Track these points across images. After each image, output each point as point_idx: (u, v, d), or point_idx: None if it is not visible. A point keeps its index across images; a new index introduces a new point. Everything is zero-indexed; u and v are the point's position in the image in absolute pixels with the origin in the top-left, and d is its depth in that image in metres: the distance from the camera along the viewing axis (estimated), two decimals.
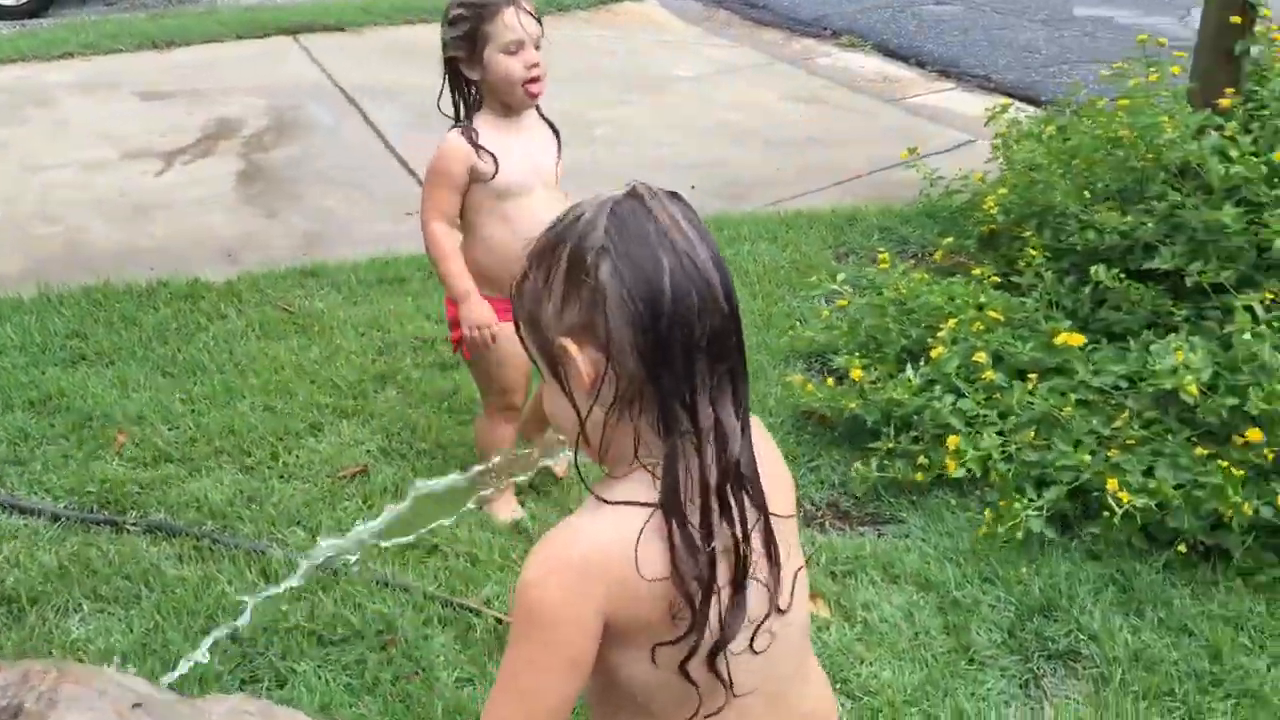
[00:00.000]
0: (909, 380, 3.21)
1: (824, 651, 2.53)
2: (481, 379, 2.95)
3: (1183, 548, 2.71)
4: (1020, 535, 2.78)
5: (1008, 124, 4.74)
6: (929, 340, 3.38)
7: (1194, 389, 2.78)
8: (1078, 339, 3.08)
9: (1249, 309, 3.00)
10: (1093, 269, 3.41)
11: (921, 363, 3.29)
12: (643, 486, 1.18)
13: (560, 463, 3.05)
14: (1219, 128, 3.58)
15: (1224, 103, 3.71)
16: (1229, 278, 3.26)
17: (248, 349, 3.83)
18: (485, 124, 2.74)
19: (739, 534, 1.19)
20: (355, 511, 2.99)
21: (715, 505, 1.17)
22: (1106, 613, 2.63)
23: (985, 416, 3.06)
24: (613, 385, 1.18)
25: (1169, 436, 2.87)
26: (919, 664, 2.52)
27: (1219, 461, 2.68)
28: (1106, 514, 2.72)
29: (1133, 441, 2.86)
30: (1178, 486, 2.71)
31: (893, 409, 3.20)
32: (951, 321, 3.33)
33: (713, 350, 1.17)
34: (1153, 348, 2.99)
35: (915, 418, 3.16)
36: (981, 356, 3.20)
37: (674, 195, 1.21)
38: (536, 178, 2.77)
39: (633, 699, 1.24)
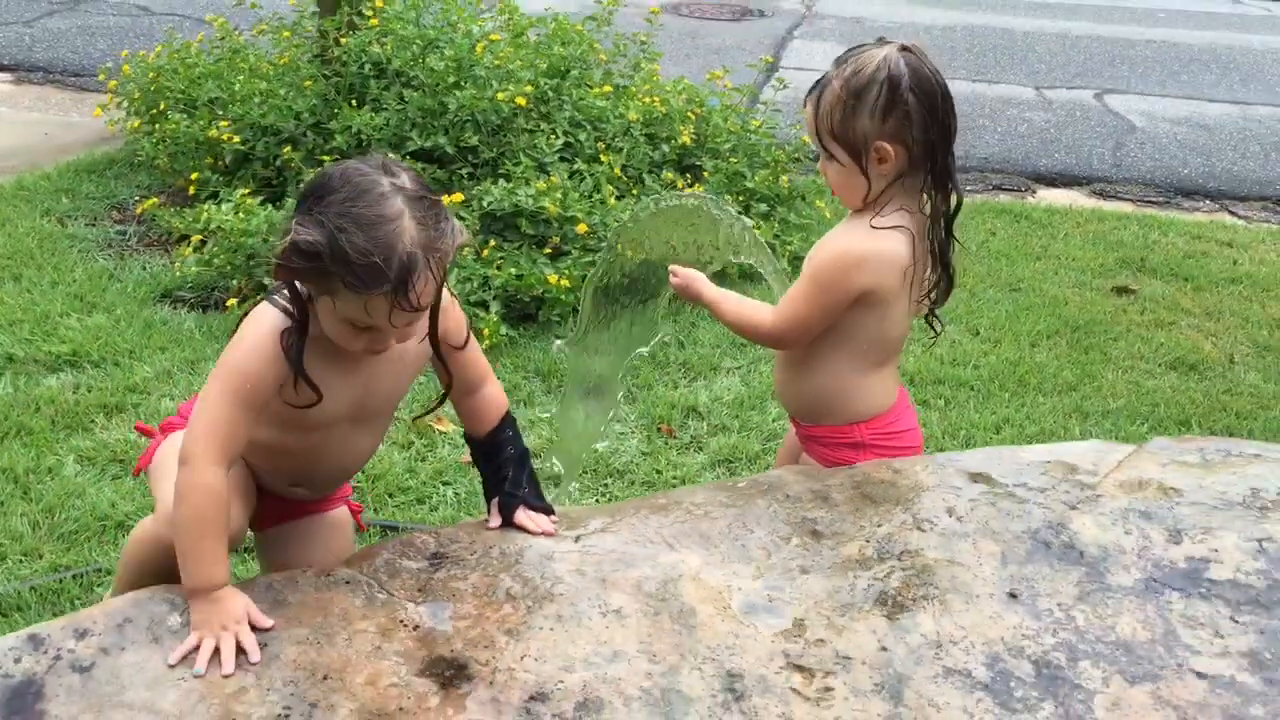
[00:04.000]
0: None
1: None
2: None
3: None
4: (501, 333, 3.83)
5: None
6: None
7: (553, 206, 4.09)
8: (458, 197, 4.13)
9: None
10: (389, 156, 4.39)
11: None
12: (900, 219, 2.10)
13: None
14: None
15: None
16: (477, 140, 4.54)
17: None
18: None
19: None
20: None
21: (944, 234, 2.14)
22: None
23: None
24: (898, 167, 2.07)
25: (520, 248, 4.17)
26: None
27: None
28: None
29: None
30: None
31: None
32: None
33: (952, 142, 2.10)
34: (498, 186, 4.19)
35: None
36: None
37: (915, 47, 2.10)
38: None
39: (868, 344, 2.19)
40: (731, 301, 2.29)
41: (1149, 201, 6.06)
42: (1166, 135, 7.04)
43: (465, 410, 2.09)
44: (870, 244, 2.11)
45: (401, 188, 1.74)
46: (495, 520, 2.02)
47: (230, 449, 1.79)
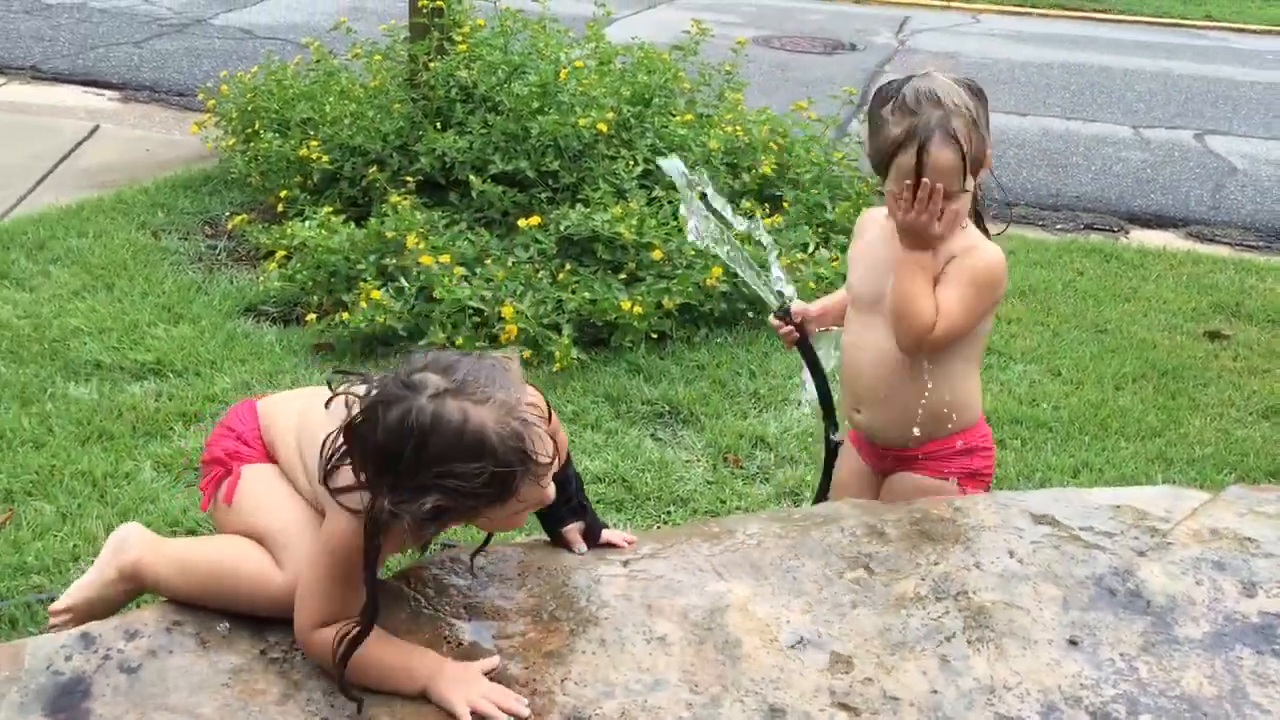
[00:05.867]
0: (404, 291, 3.96)
1: None
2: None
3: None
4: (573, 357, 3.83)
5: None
6: (390, 261, 4.11)
7: (628, 232, 4.10)
8: (536, 220, 4.16)
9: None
10: (472, 178, 4.45)
11: (416, 276, 4.02)
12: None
13: None
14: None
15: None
16: (558, 164, 4.57)
17: None
18: None
19: None
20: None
21: None
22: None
23: (492, 295, 3.98)
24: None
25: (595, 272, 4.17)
26: None
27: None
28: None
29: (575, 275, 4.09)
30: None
31: (433, 309, 3.92)
32: (413, 237, 4.10)
33: None
34: (576, 210, 4.21)
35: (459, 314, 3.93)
36: (448, 257, 4.07)
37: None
38: None
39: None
40: (917, 279, 2.14)
41: (1248, 246, 5.87)
42: (1270, 178, 6.82)
43: None
44: (1000, 250, 2.18)
45: (437, 390, 1.59)
46: (581, 546, 2.01)
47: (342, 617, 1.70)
